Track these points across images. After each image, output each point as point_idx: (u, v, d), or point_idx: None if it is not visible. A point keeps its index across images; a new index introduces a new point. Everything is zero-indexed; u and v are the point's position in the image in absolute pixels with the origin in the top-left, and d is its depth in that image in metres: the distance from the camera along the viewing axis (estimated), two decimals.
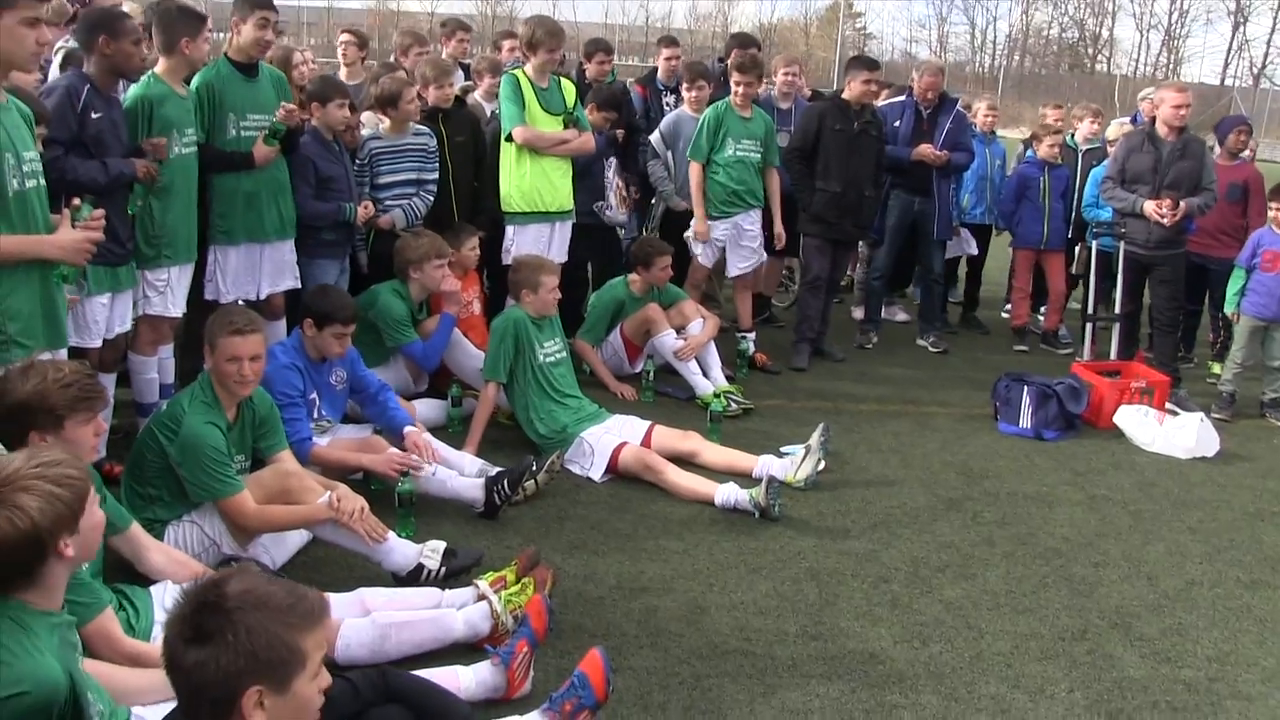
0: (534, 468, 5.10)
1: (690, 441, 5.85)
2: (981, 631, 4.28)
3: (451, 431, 6.02)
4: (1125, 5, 72.02)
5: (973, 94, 9.73)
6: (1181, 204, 7.24)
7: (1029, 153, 9.11)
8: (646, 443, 5.77)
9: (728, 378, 7.16)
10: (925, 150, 8.04)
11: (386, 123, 6.51)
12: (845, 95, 7.80)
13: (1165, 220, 7.25)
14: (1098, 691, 3.93)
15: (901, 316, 9.76)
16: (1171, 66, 67.06)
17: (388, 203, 6.45)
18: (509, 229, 6.79)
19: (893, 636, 4.19)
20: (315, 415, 5.10)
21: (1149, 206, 7.32)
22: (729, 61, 8.24)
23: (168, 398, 5.38)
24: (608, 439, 5.66)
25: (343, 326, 5.06)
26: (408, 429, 5.12)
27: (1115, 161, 7.71)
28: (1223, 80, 64.16)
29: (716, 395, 6.54)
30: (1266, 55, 66.39)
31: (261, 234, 5.68)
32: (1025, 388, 6.78)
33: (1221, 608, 4.64)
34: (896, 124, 8.19)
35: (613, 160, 7.70)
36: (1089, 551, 5.11)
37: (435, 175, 6.67)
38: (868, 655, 4.04)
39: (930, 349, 8.71)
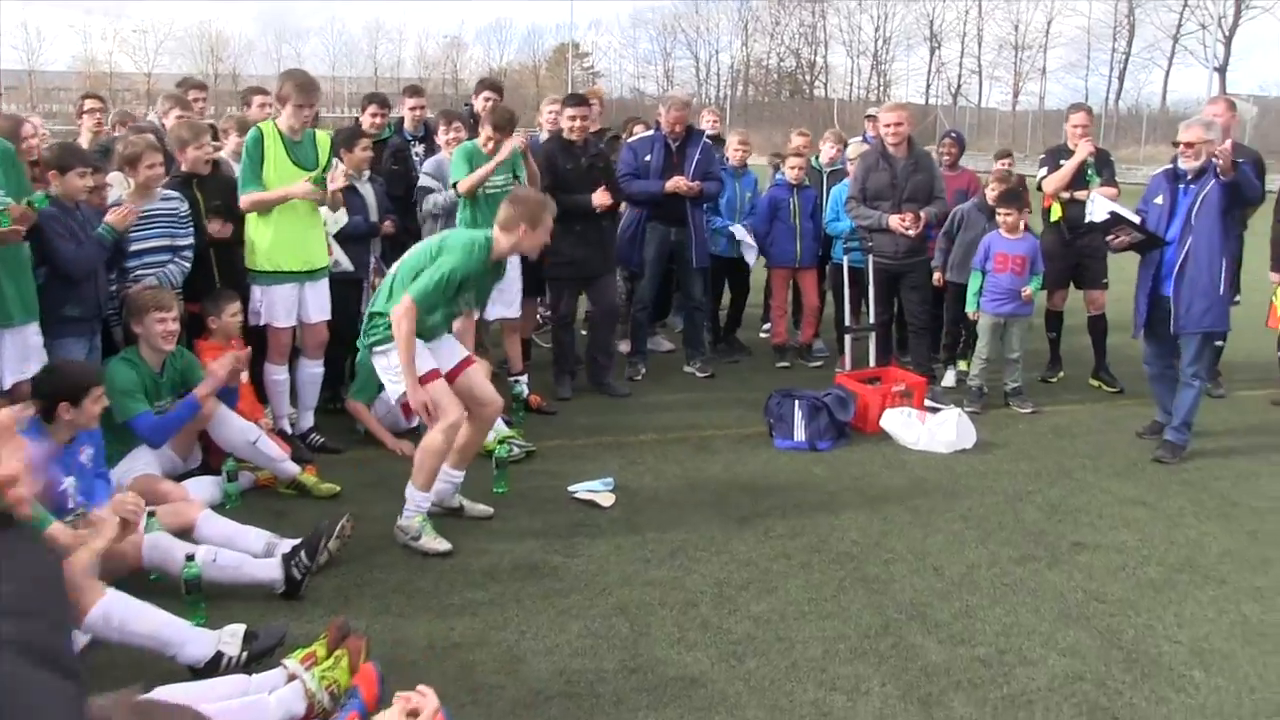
0: (327, 534, 4.91)
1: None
2: (792, 641, 4.39)
3: (229, 507, 5.73)
4: (835, 34, 76.94)
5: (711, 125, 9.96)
6: (922, 214, 7.72)
7: (778, 175, 9.46)
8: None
9: (506, 423, 7.10)
10: (678, 181, 8.24)
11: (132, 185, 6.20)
12: (565, 134, 7.91)
13: (910, 232, 7.71)
14: (907, 682, 4.10)
15: (666, 346, 9.95)
16: (882, 89, 72.26)
17: (138, 271, 6.15)
18: (255, 289, 6.52)
19: (709, 658, 4.25)
20: (70, 505, 4.69)
21: (893, 221, 7.77)
22: (479, 110, 8.24)
23: None
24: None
25: (98, 387, 4.77)
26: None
27: (855, 181, 8.14)
28: (926, 100, 69.51)
29: (500, 441, 6.48)
30: (960, 76, 72.46)
31: (4, 318, 5.24)
32: (796, 402, 7.03)
33: (1000, 585, 4.97)
34: (647, 158, 8.35)
35: (371, 260, 7.53)
36: (878, 551, 5.35)
37: (190, 240, 6.39)
38: (688, 680, 4.08)
39: (698, 375, 8.90)
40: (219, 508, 5.62)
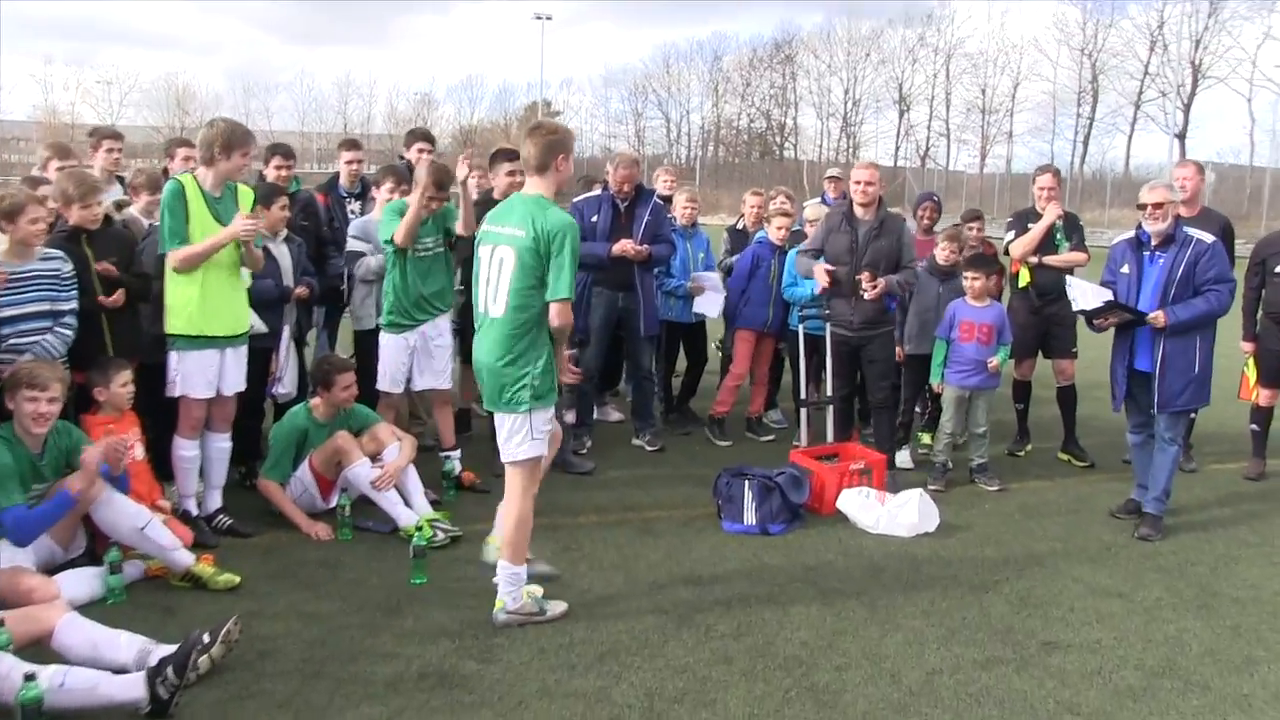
0: (205, 642, 4.32)
1: None
2: None
3: (111, 603, 5.15)
4: (806, 95, 78.13)
5: (667, 185, 9.53)
6: (880, 280, 7.18)
7: (761, 233, 8.94)
8: None
9: (433, 503, 6.58)
10: (625, 245, 7.73)
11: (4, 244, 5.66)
12: (495, 194, 7.42)
13: (866, 295, 7.17)
14: None
15: (615, 416, 9.45)
16: (851, 151, 73.38)
17: (12, 340, 5.58)
18: (172, 355, 5.95)
19: None
20: None
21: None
22: (413, 161, 7.88)
23: None
24: None
25: None
26: None
27: (815, 240, 7.63)
28: (895, 162, 70.58)
29: (419, 527, 5.93)
30: (928, 139, 73.68)
31: None
32: (746, 482, 6.53)
33: (963, 694, 4.46)
34: (594, 219, 7.86)
35: (285, 333, 7.05)
36: (830, 654, 4.82)
37: (74, 305, 5.84)
38: None
39: (646, 448, 8.40)
40: (100, 603, 5.08)
